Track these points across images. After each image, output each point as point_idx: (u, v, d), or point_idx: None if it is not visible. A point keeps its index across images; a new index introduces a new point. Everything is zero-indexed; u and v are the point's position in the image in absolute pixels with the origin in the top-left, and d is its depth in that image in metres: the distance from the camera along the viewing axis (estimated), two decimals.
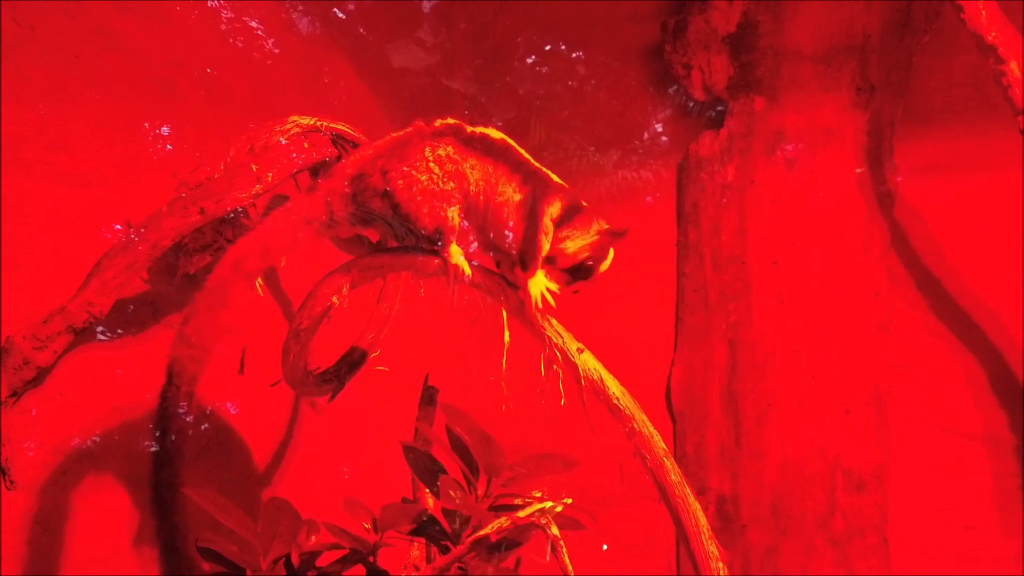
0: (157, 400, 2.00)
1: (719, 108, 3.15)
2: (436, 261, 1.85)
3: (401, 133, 1.87)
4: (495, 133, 1.87)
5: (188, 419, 1.96)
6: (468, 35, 3.41)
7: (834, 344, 2.90)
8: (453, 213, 1.82)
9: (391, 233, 1.89)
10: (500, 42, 3.39)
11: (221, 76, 2.45)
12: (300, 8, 2.77)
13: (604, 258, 1.84)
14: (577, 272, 1.85)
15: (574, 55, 3.34)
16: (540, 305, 1.82)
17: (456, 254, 1.83)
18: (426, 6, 3.30)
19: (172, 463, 1.98)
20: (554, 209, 1.82)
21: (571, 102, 3.34)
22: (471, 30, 3.41)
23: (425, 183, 1.80)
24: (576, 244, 1.83)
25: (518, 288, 1.85)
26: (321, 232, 1.89)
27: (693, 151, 3.14)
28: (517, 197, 1.81)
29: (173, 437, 1.97)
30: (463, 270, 1.82)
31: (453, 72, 3.40)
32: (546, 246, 1.81)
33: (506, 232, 1.83)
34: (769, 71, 3.02)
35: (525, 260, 1.82)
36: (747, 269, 3.01)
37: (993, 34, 2.34)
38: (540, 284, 1.82)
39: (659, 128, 3.29)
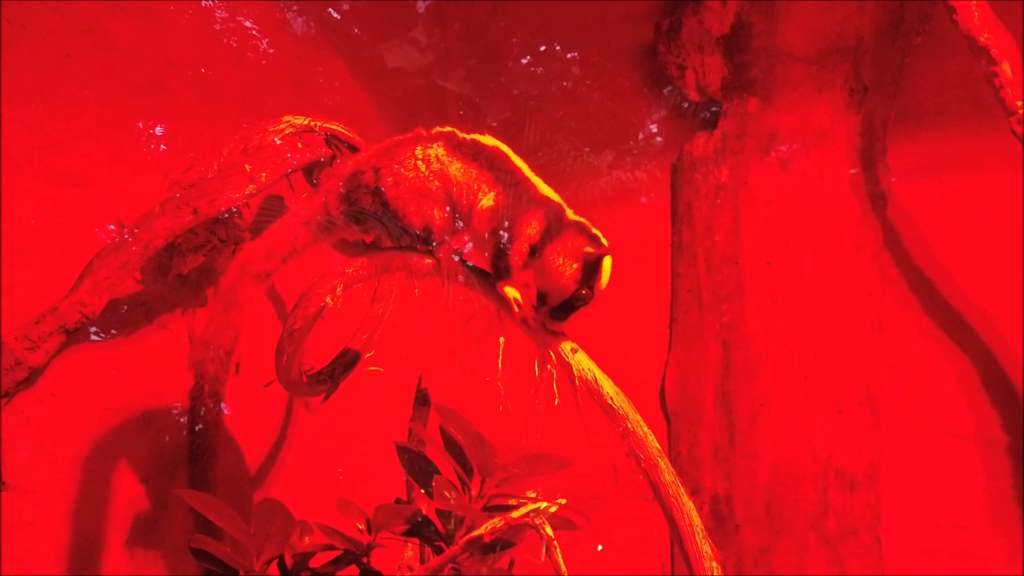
0: (187, 401, 2.06)
1: (713, 109, 3.16)
2: (429, 261, 1.86)
3: (401, 137, 1.90)
4: (489, 140, 1.88)
5: (217, 415, 2.00)
6: (462, 35, 3.41)
7: (827, 344, 2.91)
8: (440, 213, 1.83)
9: (385, 232, 1.90)
10: (494, 42, 3.39)
11: (215, 76, 2.45)
12: (294, 8, 2.77)
13: (597, 279, 1.83)
14: (572, 307, 1.84)
15: (568, 56, 3.34)
16: (519, 309, 1.83)
17: (448, 254, 1.84)
18: (420, 6, 3.30)
19: (203, 458, 2.00)
20: (532, 229, 1.82)
21: (566, 103, 3.34)
22: (465, 30, 3.40)
23: (412, 180, 1.83)
24: (566, 270, 1.81)
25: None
26: (320, 233, 1.91)
27: (687, 152, 3.15)
28: (490, 205, 1.82)
29: (202, 432, 2.00)
30: (455, 270, 1.84)
31: (447, 72, 3.40)
32: (517, 263, 1.82)
33: (483, 239, 1.84)
34: (763, 72, 3.03)
35: (498, 272, 1.85)
36: (741, 269, 3.01)
37: (985, 35, 2.35)
38: (514, 291, 1.84)
39: (653, 129, 3.30)
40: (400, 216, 1.84)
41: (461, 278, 1.87)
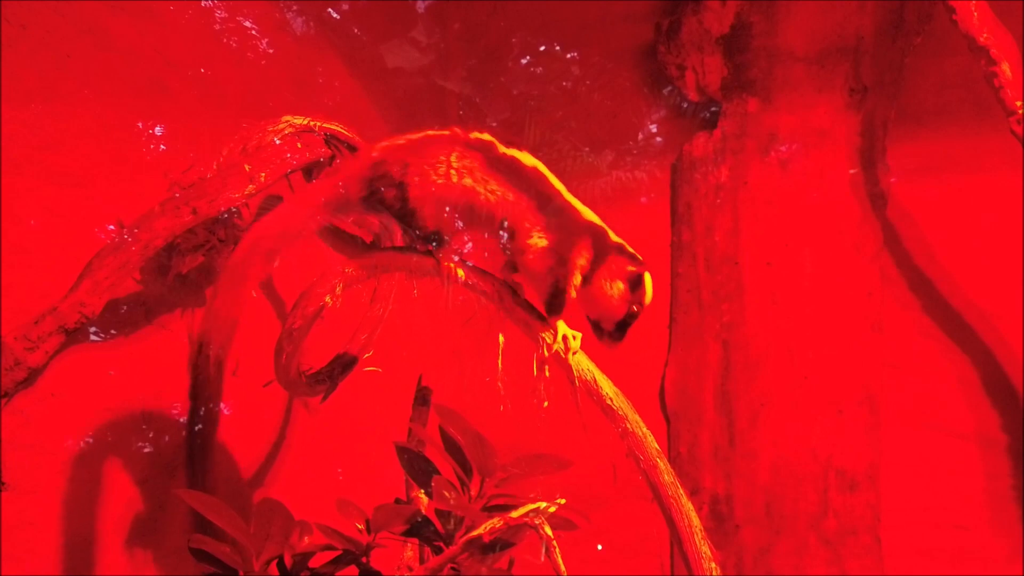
0: (188, 373, 2.05)
1: (713, 109, 3.16)
2: (430, 262, 1.86)
3: (435, 134, 1.86)
4: (528, 159, 1.84)
5: (218, 389, 1.99)
6: (462, 35, 3.41)
7: (827, 344, 2.91)
8: (456, 224, 1.82)
9: (394, 228, 1.89)
10: (494, 42, 3.39)
11: (214, 76, 2.45)
12: (294, 8, 2.77)
13: (642, 295, 1.86)
14: (626, 326, 1.88)
15: (568, 56, 3.34)
16: (569, 346, 1.84)
17: (450, 260, 1.83)
18: (420, 6, 3.30)
19: (206, 432, 1.99)
20: (583, 259, 1.83)
21: (565, 103, 3.34)
22: (465, 30, 3.40)
23: (440, 187, 1.80)
24: (614, 293, 1.84)
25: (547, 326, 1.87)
26: (334, 215, 1.90)
27: (687, 152, 3.15)
28: (543, 243, 1.81)
29: (207, 405, 1.98)
30: (455, 272, 1.83)
31: (447, 72, 3.40)
32: (571, 296, 1.84)
33: (538, 277, 1.84)
34: (762, 72, 3.03)
35: (552, 308, 1.85)
36: (740, 269, 3.01)
37: (985, 35, 2.35)
38: (564, 328, 1.86)
39: (653, 129, 3.30)
40: (416, 215, 1.82)
41: (461, 280, 1.87)
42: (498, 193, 1.81)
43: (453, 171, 1.80)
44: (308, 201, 1.91)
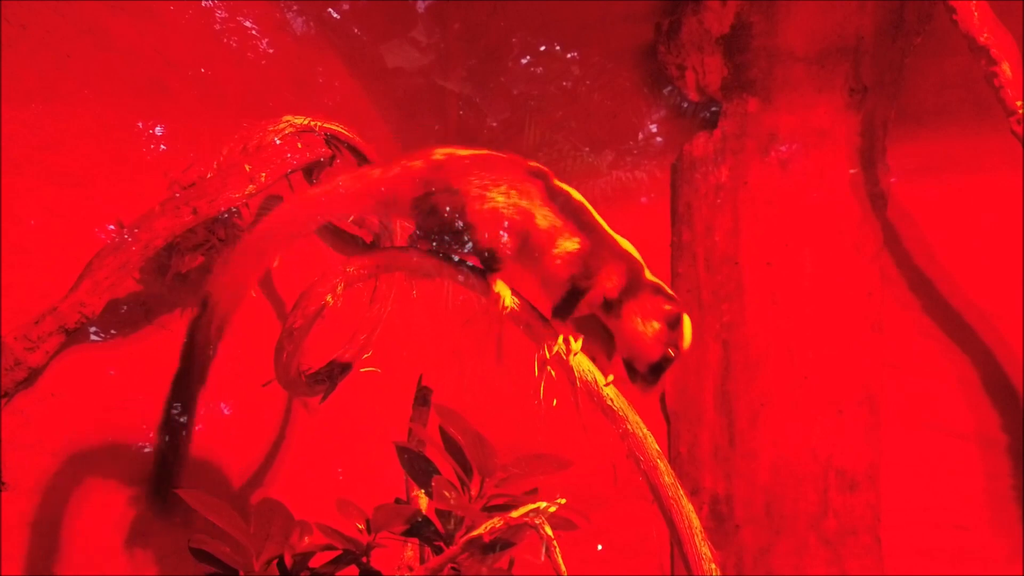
0: (186, 331, 1.97)
1: (713, 109, 3.16)
2: (430, 262, 1.85)
3: (497, 154, 1.87)
4: (576, 194, 1.86)
5: (213, 354, 1.95)
6: (462, 35, 3.41)
7: (827, 344, 2.91)
8: (511, 244, 1.80)
9: (435, 236, 1.85)
10: (494, 42, 3.39)
11: (214, 76, 2.45)
12: (294, 8, 2.77)
13: (680, 337, 1.83)
14: (661, 369, 1.85)
15: (568, 56, 3.34)
16: (570, 347, 1.82)
17: (502, 287, 1.81)
18: (420, 6, 3.30)
19: (191, 399, 1.96)
20: (611, 283, 1.81)
21: (565, 103, 3.34)
22: (465, 30, 3.40)
23: (500, 205, 1.79)
24: (648, 332, 1.81)
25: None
26: (376, 208, 1.90)
27: (687, 152, 3.14)
28: (573, 247, 1.80)
29: (198, 368, 1.95)
30: (505, 301, 1.81)
31: (447, 72, 3.40)
32: (584, 312, 1.83)
33: (557, 281, 1.82)
34: (763, 72, 3.03)
35: (559, 313, 1.83)
36: (740, 269, 3.01)
37: (985, 35, 2.35)
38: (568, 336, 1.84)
39: (653, 129, 3.30)
40: (473, 231, 1.80)
41: (461, 278, 1.86)
42: (550, 219, 1.81)
43: (514, 191, 1.80)
44: (356, 189, 1.87)
